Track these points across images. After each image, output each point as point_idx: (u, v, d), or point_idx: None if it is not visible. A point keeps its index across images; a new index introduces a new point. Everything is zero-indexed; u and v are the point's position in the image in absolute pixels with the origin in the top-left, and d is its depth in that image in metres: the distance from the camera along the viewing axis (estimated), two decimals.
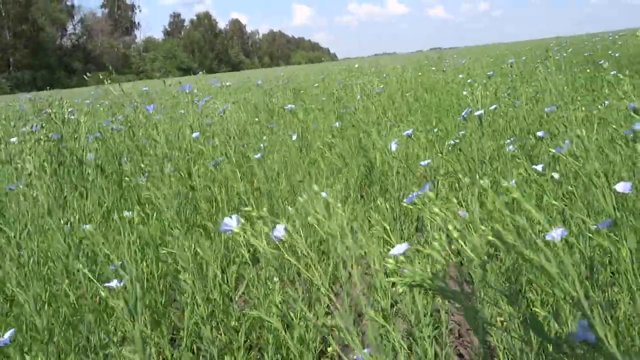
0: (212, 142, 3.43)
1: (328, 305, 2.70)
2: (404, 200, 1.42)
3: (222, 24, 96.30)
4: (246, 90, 6.37)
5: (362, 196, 3.53)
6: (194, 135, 2.01)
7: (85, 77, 3.95)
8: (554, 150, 1.78)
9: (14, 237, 1.52)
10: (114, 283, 1.03)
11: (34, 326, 1.56)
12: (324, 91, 5.28)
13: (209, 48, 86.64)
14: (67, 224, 1.68)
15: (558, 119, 2.00)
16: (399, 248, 1.12)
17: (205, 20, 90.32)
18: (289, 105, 2.74)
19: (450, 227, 0.87)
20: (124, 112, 2.75)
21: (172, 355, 1.73)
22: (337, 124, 2.59)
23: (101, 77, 2.27)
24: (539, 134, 1.89)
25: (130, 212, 1.23)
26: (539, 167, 1.89)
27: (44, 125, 1.85)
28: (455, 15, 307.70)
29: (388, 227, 1.45)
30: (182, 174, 1.73)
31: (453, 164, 2.40)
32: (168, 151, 1.85)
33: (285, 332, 1.64)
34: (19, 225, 1.57)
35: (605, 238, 1.32)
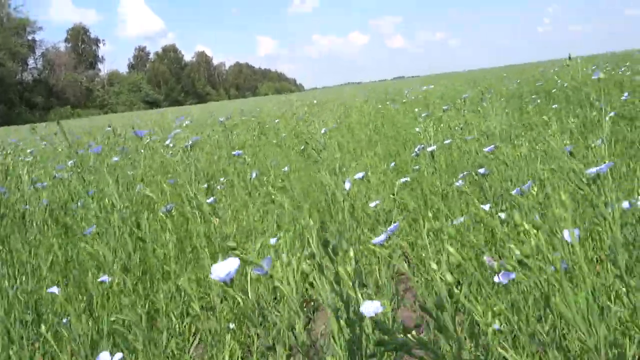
0: (172, 181, 3.39)
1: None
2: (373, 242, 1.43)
3: (188, 57, 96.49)
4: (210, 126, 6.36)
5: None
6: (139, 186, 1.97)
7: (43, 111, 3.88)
8: (513, 193, 1.83)
9: None
10: None
11: None
12: (285, 126, 5.34)
13: (175, 80, 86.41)
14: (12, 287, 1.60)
15: (502, 156, 2.07)
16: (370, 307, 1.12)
17: (170, 53, 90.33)
18: (237, 152, 2.75)
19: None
20: (75, 156, 2.69)
21: None
22: (286, 168, 2.61)
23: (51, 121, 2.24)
24: (481, 171, 1.95)
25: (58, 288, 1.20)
26: (486, 207, 1.94)
27: None
28: (413, 45, 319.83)
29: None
30: (130, 226, 1.69)
31: (407, 201, 2.45)
32: (117, 201, 1.82)
33: None
34: None
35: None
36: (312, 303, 2.81)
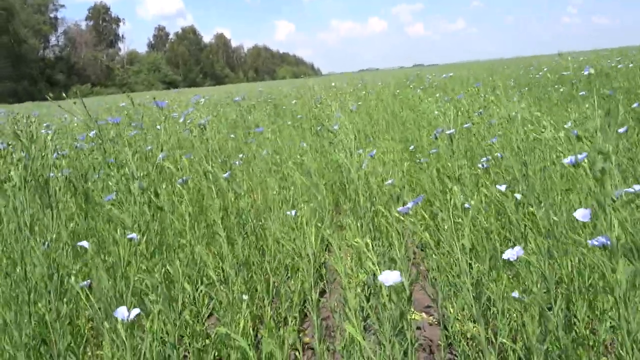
0: (189, 155, 3.42)
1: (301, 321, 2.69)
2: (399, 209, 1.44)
3: (207, 38, 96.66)
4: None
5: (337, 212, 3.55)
6: (161, 155, 2.01)
7: (64, 95, 3.94)
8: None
9: None
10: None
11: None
12: (302, 108, 5.33)
13: (194, 62, 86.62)
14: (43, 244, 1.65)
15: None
16: (389, 277, 1.13)
17: (190, 34, 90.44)
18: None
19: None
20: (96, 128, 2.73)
21: None
22: (303, 144, 2.62)
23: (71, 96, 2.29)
24: (497, 154, 1.94)
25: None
26: (502, 187, 1.94)
27: (9, 143, 1.83)
28: (433, 32, 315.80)
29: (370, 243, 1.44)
30: (149, 192, 1.73)
31: (422, 182, 2.45)
32: (136, 171, 1.85)
33: (250, 349, 1.63)
34: None
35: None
36: (326, 281, 2.85)
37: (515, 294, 1.21)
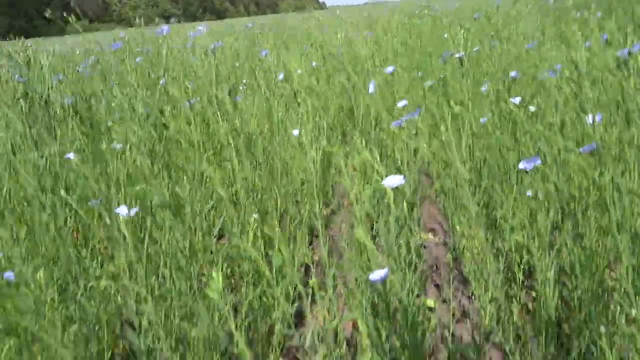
0: (192, 84, 3.34)
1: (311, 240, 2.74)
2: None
3: None
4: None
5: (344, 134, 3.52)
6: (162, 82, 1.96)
7: (61, 22, 3.81)
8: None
9: None
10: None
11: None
12: (308, 39, 5.16)
13: None
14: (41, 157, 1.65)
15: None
16: (393, 180, 1.11)
17: None
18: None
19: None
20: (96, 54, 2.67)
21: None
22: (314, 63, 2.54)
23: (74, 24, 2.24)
24: (512, 74, 1.88)
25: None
26: (517, 100, 1.89)
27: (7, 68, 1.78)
28: None
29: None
30: (156, 113, 1.70)
31: (433, 103, 2.39)
32: (139, 89, 1.81)
33: (263, 260, 1.66)
34: None
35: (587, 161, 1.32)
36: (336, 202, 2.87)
37: (529, 192, 1.20)
